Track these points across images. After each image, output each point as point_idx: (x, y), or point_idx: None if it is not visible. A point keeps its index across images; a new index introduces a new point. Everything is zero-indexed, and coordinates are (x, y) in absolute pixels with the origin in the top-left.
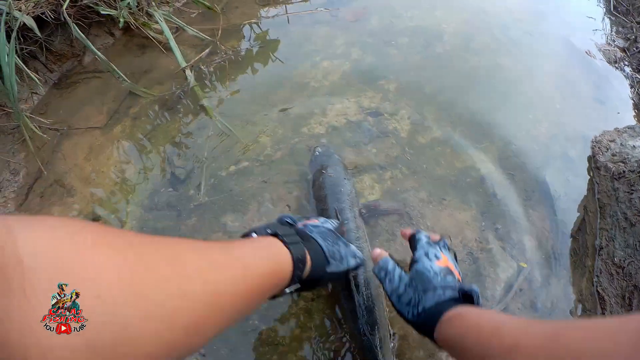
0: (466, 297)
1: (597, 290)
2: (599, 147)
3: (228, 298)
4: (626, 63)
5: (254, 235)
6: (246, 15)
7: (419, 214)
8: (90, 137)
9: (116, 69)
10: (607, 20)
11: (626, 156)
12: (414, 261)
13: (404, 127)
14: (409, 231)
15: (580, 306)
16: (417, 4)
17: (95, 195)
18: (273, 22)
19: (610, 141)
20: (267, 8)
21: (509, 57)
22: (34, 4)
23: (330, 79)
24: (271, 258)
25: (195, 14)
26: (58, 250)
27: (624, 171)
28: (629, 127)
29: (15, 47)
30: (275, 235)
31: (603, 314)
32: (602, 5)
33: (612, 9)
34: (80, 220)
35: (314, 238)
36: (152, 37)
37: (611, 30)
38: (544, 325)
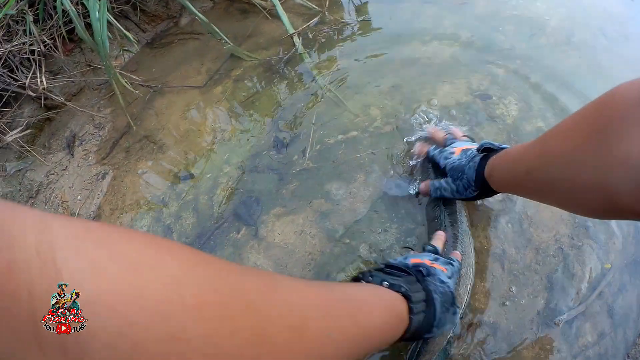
0: (487, 150)
1: None
2: None
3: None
4: None
5: (385, 284)
6: None
7: (522, 203)
8: (187, 96)
9: (218, 31)
10: None
11: None
12: (444, 168)
13: (511, 113)
14: (424, 150)
15: None
16: None
17: (190, 154)
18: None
19: None
20: None
21: (607, 57)
22: None
23: (441, 58)
24: (388, 327)
25: None
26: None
27: None
28: None
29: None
30: (406, 298)
31: None
32: None
33: None
34: (155, 238)
35: (435, 304)
36: (256, 2)
37: None
38: (538, 144)
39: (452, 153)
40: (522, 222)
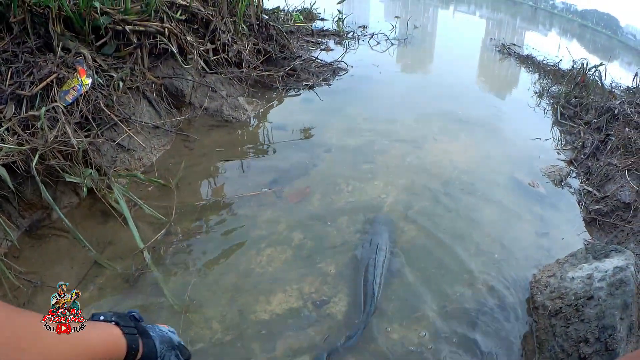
0: None
1: None
2: (537, 287)
3: None
4: (573, 176)
5: (101, 318)
6: (197, 195)
7: None
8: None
9: (83, 239)
10: (556, 131)
11: (564, 291)
12: None
13: (341, 310)
14: None
15: None
16: (357, 175)
17: None
18: (222, 207)
19: (550, 277)
20: (215, 190)
21: (448, 218)
22: (5, 153)
23: (274, 266)
24: (110, 343)
25: (152, 187)
26: None
27: (560, 307)
28: (571, 255)
29: None
30: (117, 324)
31: None
32: (549, 115)
33: (559, 118)
34: None
35: (152, 338)
36: (112, 206)
37: (557, 144)
38: None
39: None
40: None
